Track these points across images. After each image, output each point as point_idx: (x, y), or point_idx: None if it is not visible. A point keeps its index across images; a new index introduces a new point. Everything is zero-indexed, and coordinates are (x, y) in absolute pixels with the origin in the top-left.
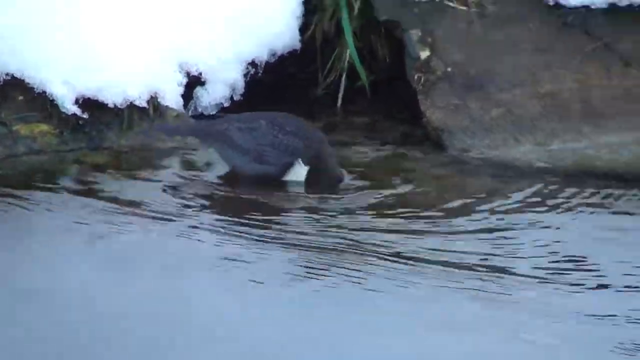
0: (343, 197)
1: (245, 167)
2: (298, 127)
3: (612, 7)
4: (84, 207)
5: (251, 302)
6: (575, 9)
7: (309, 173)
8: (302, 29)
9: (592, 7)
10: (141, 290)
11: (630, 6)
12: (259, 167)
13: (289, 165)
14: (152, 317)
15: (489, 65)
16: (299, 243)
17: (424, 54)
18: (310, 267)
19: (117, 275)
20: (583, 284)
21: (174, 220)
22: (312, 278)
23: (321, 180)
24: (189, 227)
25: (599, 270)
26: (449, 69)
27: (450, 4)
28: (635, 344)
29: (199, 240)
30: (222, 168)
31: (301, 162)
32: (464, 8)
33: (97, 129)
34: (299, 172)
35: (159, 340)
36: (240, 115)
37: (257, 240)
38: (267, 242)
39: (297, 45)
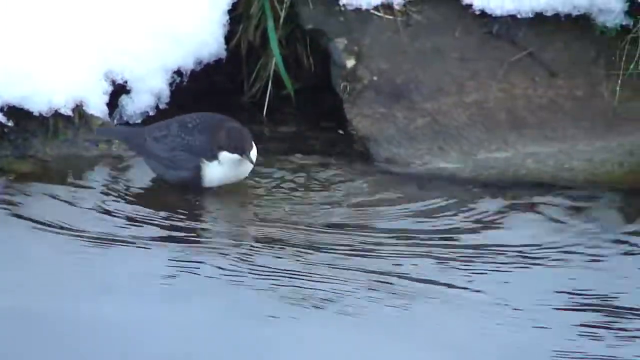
0: (258, 205)
1: (166, 176)
2: (203, 122)
3: (538, 17)
4: (6, 216)
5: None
6: (501, 18)
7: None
8: (228, 38)
9: (518, 16)
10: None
11: (556, 16)
12: (176, 174)
13: (198, 168)
14: None
15: (414, 74)
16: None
17: (350, 62)
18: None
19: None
20: None
21: (95, 231)
22: None
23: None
24: (111, 238)
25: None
26: (375, 78)
27: (376, 12)
28: None
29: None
30: (147, 175)
31: (205, 160)
32: (390, 17)
33: (22, 137)
34: (210, 171)
35: None
36: (159, 123)
37: (181, 247)
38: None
39: (223, 53)
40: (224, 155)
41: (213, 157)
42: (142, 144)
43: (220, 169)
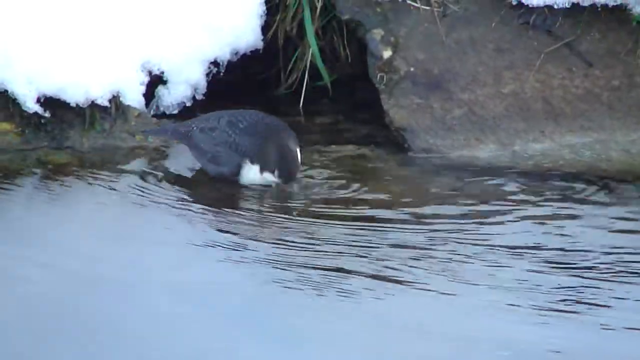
0: (302, 195)
1: (207, 168)
2: (253, 124)
3: (575, 7)
4: (46, 207)
5: None
6: (537, 8)
7: (268, 169)
8: (265, 29)
9: (555, 6)
10: None
11: (592, 6)
12: (216, 168)
13: (238, 167)
14: None
15: (451, 65)
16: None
17: (387, 53)
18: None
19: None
20: None
21: (132, 222)
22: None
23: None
24: (151, 223)
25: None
26: (412, 69)
27: (413, 3)
28: None
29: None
30: (184, 167)
31: (249, 162)
32: (427, 8)
33: (59, 128)
34: (250, 172)
35: None
36: (208, 115)
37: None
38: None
39: (260, 44)
40: (267, 174)
41: (257, 162)
42: (188, 133)
43: (260, 176)
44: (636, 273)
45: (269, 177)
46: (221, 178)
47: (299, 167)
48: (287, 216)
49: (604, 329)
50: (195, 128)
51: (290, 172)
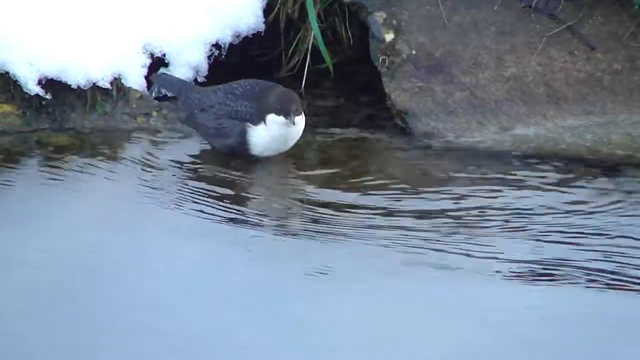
0: (303, 178)
1: (214, 144)
2: (249, 88)
3: None
4: (46, 189)
5: None
6: None
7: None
8: (266, 11)
9: None
10: None
11: None
12: (222, 142)
13: (243, 133)
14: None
15: (453, 48)
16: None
17: (389, 36)
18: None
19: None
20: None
21: (132, 203)
22: None
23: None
24: (153, 205)
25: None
26: (414, 52)
27: None
28: None
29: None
30: (184, 149)
31: (251, 125)
32: None
33: (60, 110)
34: (255, 135)
35: None
36: (206, 90)
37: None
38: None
39: (261, 27)
40: (271, 118)
41: (260, 121)
42: (191, 117)
43: (267, 134)
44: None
45: (274, 124)
46: (231, 153)
47: (299, 102)
48: (288, 200)
49: None
50: (196, 111)
51: (290, 105)
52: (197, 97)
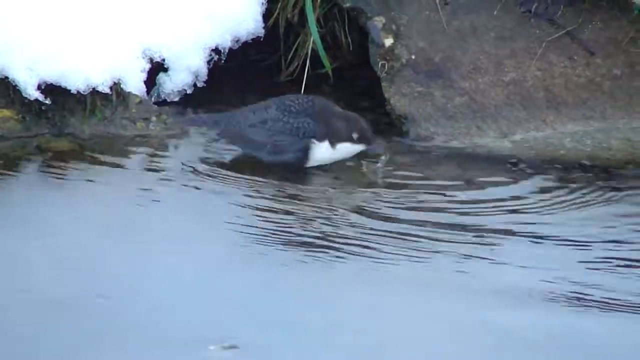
0: (305, 183)
1: (265, 159)
2: (305, 104)
3: None
4: (46, 194)
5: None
6: None
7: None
8: (266, 16)
9: None
10: None
11: None
12: (279, 157)
13: (305, 150)
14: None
15: (452, 53)
16: None
17: (388, 41)
18: None
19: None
20: None
21: (131, 209)
22: None
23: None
24: (152, 210)
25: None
26: (413, 56)
27: None
28: None
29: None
30: (183, 155)
31: (315, 141)
32: None
33: (60, 115)
34: (319, 151)
35: None
36: (253, 107)
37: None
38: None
39: (261, 32)
40: (345, 145)
41: (324, 139)
42: (239, 133)
43: (330, 153)
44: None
45: (346, 149)
46: (283, 166)
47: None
48: (292, 201)
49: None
50: (244, 125)
51: (368, 131)
52: (244, 115)
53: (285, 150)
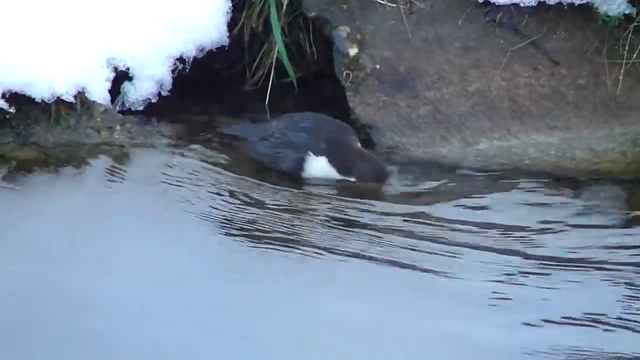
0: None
1: (272, 167)
2: (313, 123)
3: (541, 5)
4: (9, 203)
5: None
6: (504, 6)
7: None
8: (230, 25)
9: (521, 4)
10: None
11: (559, 4)
12: (278, 167)
13: (299, 161)
14: None
15: (417, 63)
16: None
17: (353, 50)
18: None
19: None
20: None
21: (96, 219)
22: None
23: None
24: (117, 218)
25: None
26: (378, 66)
27: (380, 1)
28: None
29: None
30: (148, 163)
31: (311, 153)
32: (393, 5)
33: (24, 124)
34: (314, 164)
35: None
36: (275, 123)
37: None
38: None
39: (225, 41)
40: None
41: (322, 154)
42: (252, 145)
43: (328, 168)
44: (596, 268)
45: (336, 174)
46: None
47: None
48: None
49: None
50: (256, 139)
51: (384, 173)
52: (272, 125)
53: (281, 162)
